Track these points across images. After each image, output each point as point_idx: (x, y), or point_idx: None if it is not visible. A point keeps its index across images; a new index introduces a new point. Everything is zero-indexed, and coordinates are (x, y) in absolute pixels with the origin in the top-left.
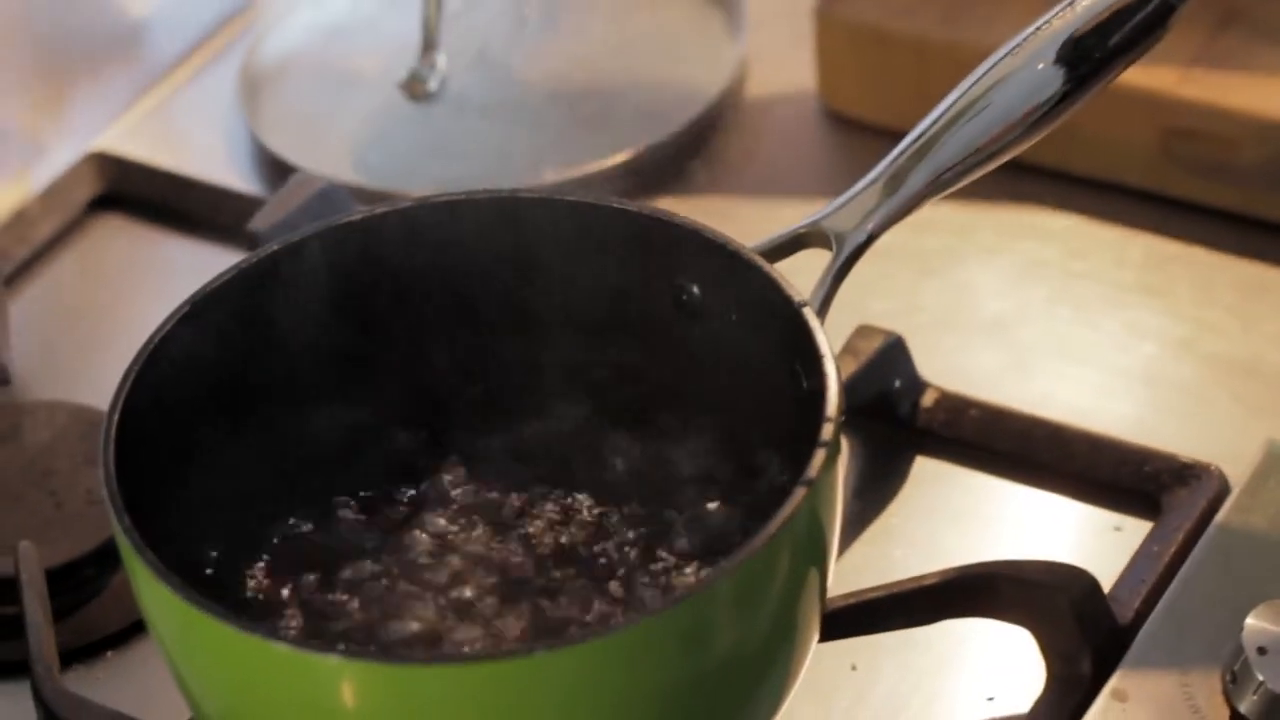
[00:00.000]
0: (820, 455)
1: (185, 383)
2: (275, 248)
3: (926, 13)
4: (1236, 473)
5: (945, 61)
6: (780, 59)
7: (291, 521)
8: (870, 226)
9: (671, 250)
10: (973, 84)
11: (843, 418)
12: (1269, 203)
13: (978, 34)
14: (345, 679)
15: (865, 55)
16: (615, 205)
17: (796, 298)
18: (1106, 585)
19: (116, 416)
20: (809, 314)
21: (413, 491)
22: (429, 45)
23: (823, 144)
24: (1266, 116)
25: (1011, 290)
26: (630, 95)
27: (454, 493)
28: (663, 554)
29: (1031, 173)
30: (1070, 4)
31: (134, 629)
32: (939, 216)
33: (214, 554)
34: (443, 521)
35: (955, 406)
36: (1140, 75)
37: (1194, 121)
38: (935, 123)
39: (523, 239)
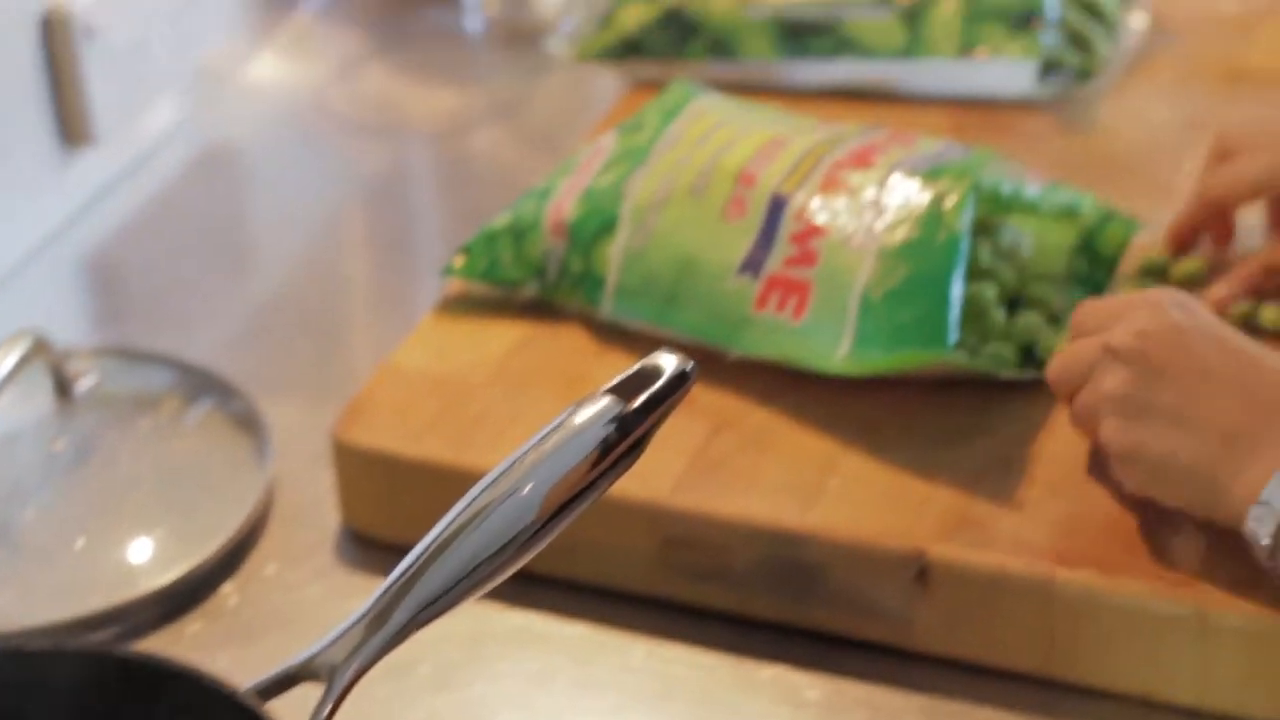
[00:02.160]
0: None
1: None
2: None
3: (435, 439)
4: None
5: (456, 483)
6: (305, 482)
7: None
8: (357, 663)
9: (164, 691)
10: (456, 515)
11: None
12: (761, 604)
13: (483, 457)
14: None
15: (381, 479)
16: (114, 654)
17: None
18: None
19: None
20: None
21: None
22: None
23: (346, 563)
24: (755, 522)
25: (523, 701)
26: (160, 525)
27: None
28: None
29: (541, 582)
30: (560, 422)
31: None
32: (456, 629)
33: None
34: None
35: None
36: (635, 485)
37: (688, 529)
38: (420, 556)
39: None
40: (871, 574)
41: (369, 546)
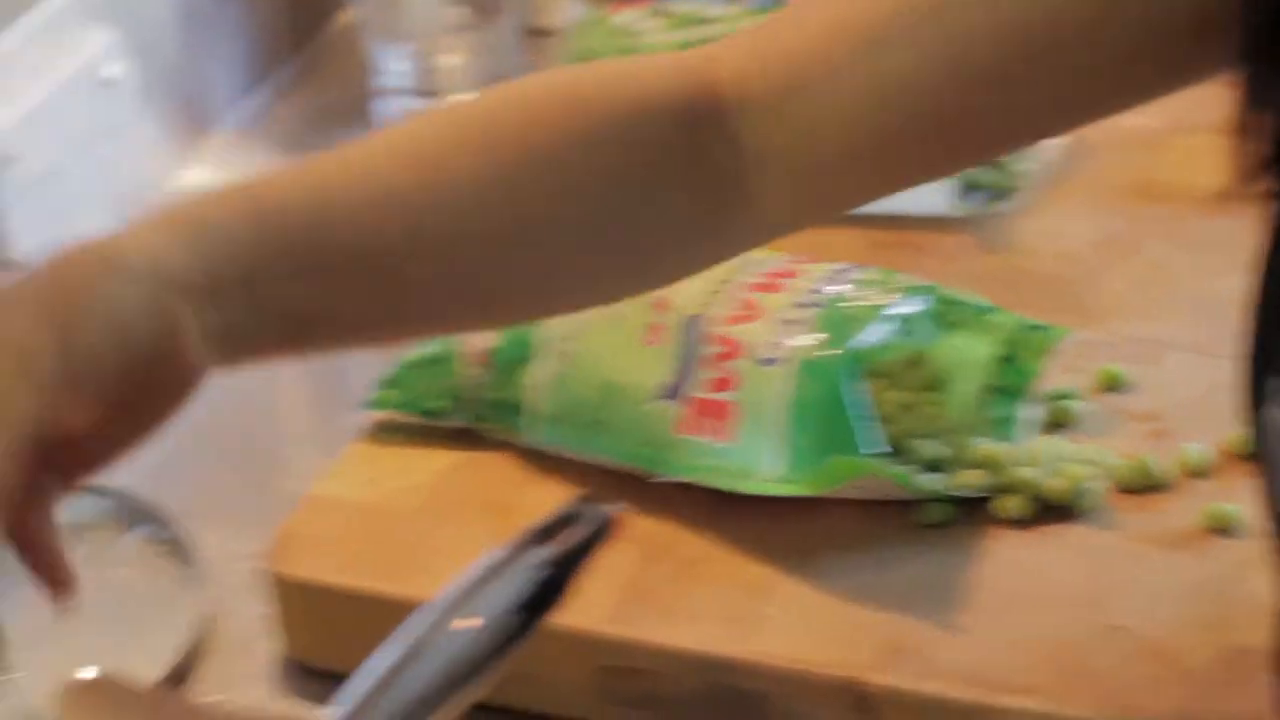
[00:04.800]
0: None
1: None
2: None
3: (366, 568)
4: None
5: (390, 611)
6: (241, 610)
7: None
8: None
9: None
10: (390, 656)
11: None
12: None
13: (418, 587)
14: None
15: (318, 608)
16: None
17: None
18: None
19: None
20: None
21: None
22: None
23: (288, 692)
24: (693, 651)
25: None
26: (99, 654)
27: None
28: None
29: (479, 709)
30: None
31: None
32: None
33: None
34: None
35: None
36: (569, 615)
37: (624, 658)
38: (358, 703)
39: None
40: (811, 702)
41: (309, 675)
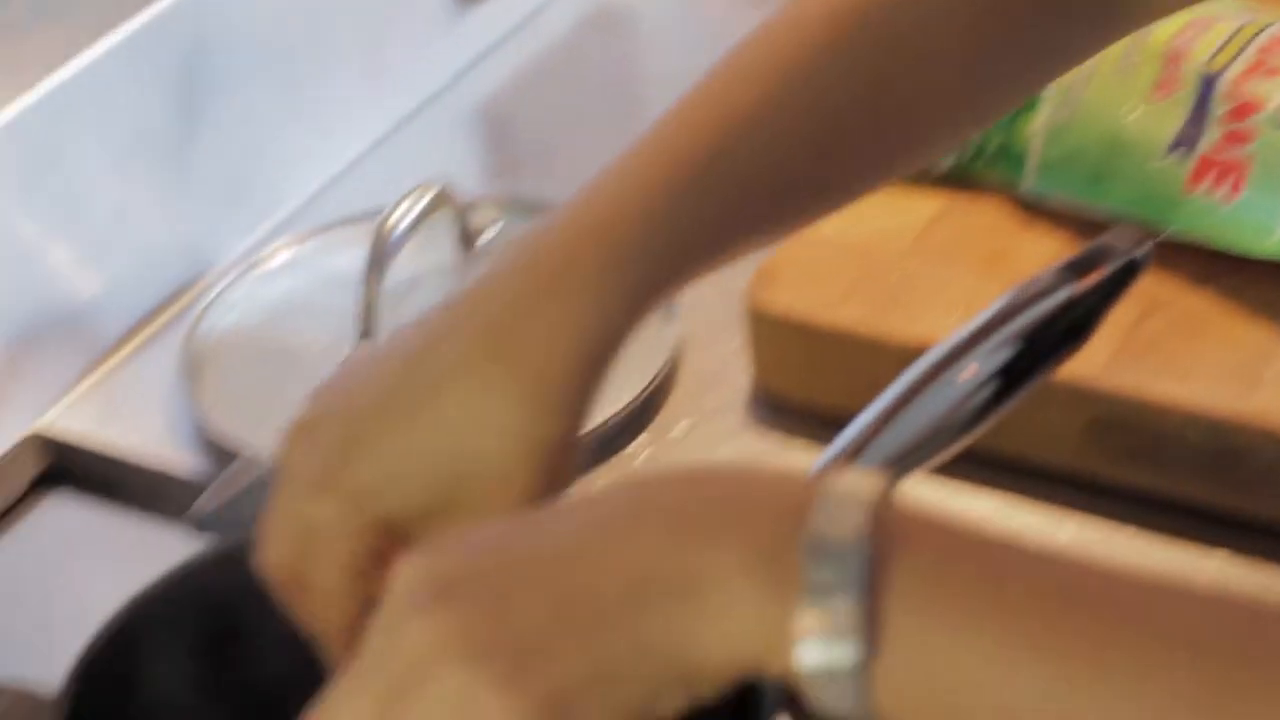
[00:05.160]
0: None
1: (137, 674)
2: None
3: (853, 307)
4: None
5: (873, 353)
6: (715, 342)
7: None
8: None
9: None
10: (905, 386)
11: None
12: (1191, 489)
13: (902, 328)
14: None
15: (796, 345)
16: None
17: None
18: None
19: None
20: None
21: None
22: (367, 330)
23: (757, 425)
24: (1190, 407)
25: None
26: None
27: None
28: None
29: (965, 456)
30: (1007, 304)
31: None
32: None
33: None
34: None
35: None
36: (1066, 365)
37: (1118, 411)
38: (868, 426)
39: None
40: None
41: (781, 410)
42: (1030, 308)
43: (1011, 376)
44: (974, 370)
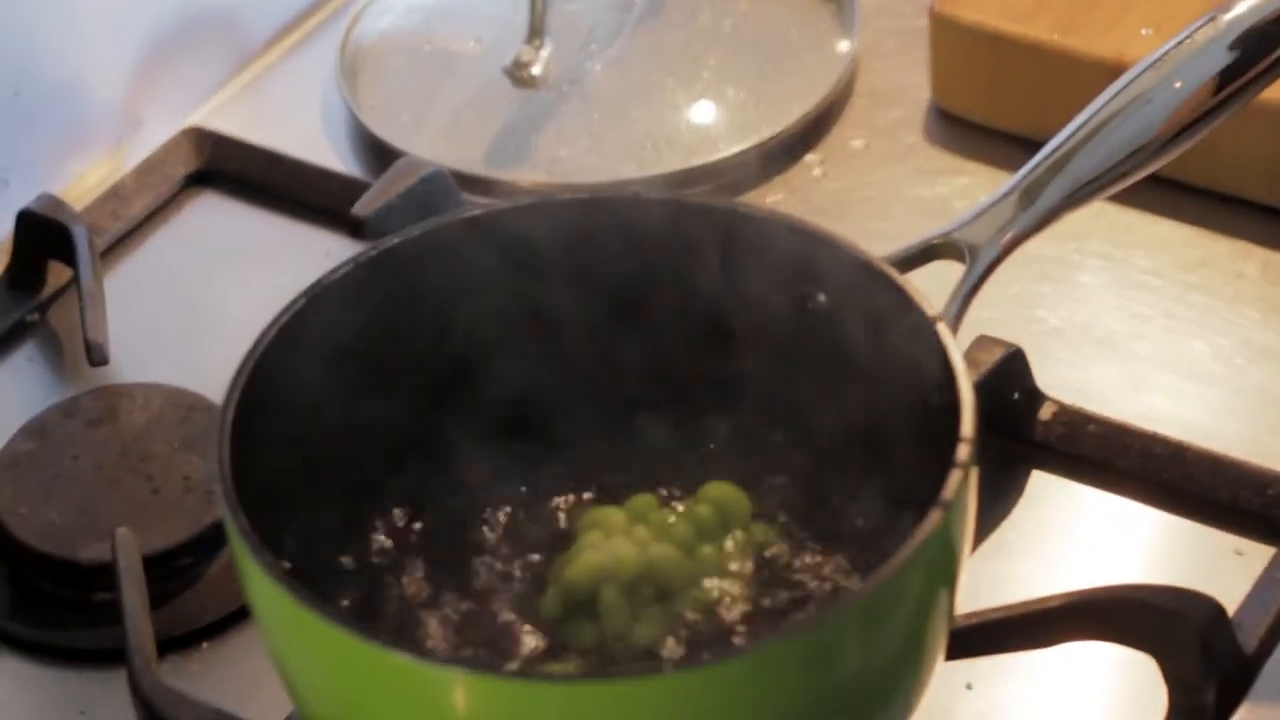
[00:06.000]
0: (956, 476)
1: (301, 374)
2: (398, 239)
3: (1044, 19)
4: None
5: (1062, 68)
6: (893, 57)
7: (396, 515)
8: (1005, 240)
9: (799, 256)
10: (1112, 97)
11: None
12: None
13: (1095, 42)
14: (467, 692)
15: (980, 58)
16: (742, 210)
17: (930, 311)
18: (1228, 611)
19: (231, 412)
20: (943, 330)
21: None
22: (535, 31)
23: (934, 143)
24: None
25: (1125, 301)
26: (737, 88)
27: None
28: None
29: (1144, 180)
30: (1212, 19)
31: (231, 620)
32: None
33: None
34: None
35: (1073, 421)
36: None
37: None
38: (1074, 135)
39: (645, 240)
40: None
41: (959, 127)
42: (1238, 22)
43: (1217, 92)
44: (1179, 85)
